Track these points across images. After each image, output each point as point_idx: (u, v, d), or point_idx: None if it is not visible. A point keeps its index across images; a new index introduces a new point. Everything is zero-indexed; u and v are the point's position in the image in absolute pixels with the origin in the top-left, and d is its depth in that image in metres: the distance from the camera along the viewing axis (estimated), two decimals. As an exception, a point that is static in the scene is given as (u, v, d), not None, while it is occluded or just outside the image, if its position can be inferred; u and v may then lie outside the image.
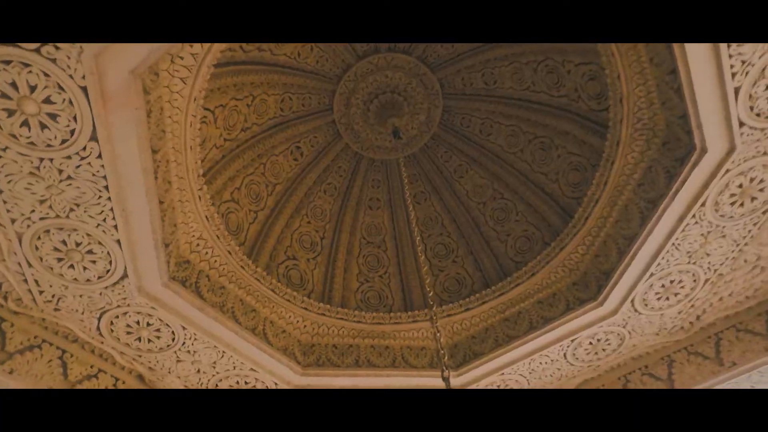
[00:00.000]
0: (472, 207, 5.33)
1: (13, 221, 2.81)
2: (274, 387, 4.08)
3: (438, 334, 2.99)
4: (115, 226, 2.90)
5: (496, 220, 5.16)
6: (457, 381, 4.43)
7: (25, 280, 3.11)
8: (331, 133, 5.22)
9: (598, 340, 4.27)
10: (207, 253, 3.72)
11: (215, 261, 3.78)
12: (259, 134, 4.50)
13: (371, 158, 5.49)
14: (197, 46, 2.80)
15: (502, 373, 4.44)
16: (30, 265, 3.03)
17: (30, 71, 2.30)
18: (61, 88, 2.36)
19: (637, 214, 3.65)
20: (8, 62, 2.26)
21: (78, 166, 2.63)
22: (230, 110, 4.00)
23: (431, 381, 4.42)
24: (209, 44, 2.90)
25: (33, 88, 2.35)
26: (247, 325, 3.84)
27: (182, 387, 3.95)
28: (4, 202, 2.73)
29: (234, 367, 3.90)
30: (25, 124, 2.45)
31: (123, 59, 2.34)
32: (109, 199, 2.78)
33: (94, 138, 2.55)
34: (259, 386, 4.10)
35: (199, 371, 3.87)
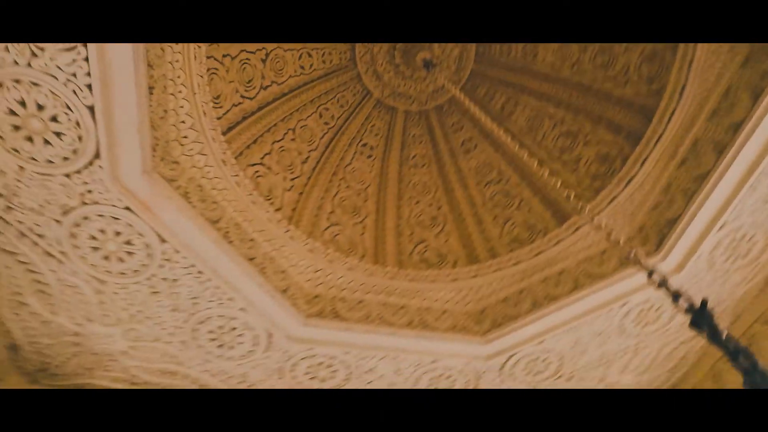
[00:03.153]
0: (566, 75, 4.33)
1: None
2: (465, 366, 3.80)
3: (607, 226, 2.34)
4: (231, 298, 3.19)
5: (602, 66, 4.05)
6: (666, 264, 3.42)
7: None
8: (385, 111, 4.99)
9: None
10: (330, 279, 3.79)
11: (340, 281, 3.82)
12: (321, 157, 4.56)
13: (438, 106, 5.03)
14: (188, 119, 2.98)
15: (720, 227, 3.27)
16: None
17: (101, 216, 2.75)
18: (115, 218, 2.76)
19: None
20: (103, 231, 2.75)
21: (172, 269, 3.00)
22: (278, 153, 4.16)
23: (631, 283, 3.51)
24: (200, 111, 3.07)
25: (103, 231, 2.80)
26: (401, 323, 3.72)
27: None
28: (160, 325, 3.27)
29: (418, 365, 3.78)
30: (119, 260, 2.92)
31: (129, 167, 2.61)
32: (209, 279, 3.08)
33: (163, 240, 2.88)
34: (456, 374, 3.87)
35: (391, 384, 3.87)
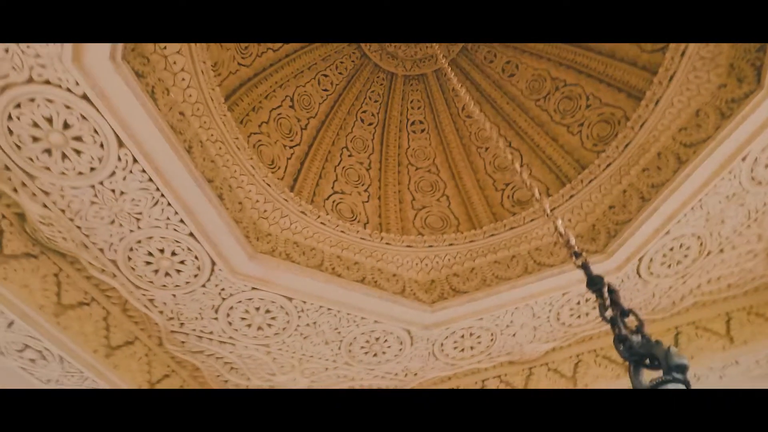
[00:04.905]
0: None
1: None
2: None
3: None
4: (363, 318, 3.65)
5: None
6: (777, 95, 2.92)
7: (383, 376, 4.19)
8: (417, 82, 4.98)
9: None
10: (436, 261, 4.06)
11: (447, 260, 4.06)
12: (381, 158, 4.78)
13: (463, 48, 4.85)
14: (259, 197, 3.45)
15: None
16: (373, 369, 4.09)
17: (240, 302, 3.41)
18: (249, 299, 3.38)
19: None
20: (247, 311, 3.44)
21: (309, 315, 3.55)
22: (344, 175, 4.49)
23: (744, 132, 3.10)
24: (265, 185, 3.52)
25: (247, 311, 3.44)
26: (517, 273, 3.83)
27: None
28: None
29: (551, 304, 3.85)
30: (268, 326, 3.55)
31: (238, 260, 3.16)
32: (339, 311, 3.57)
33: (290, 299, 3.43)
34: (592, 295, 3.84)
35: (535, 329, 4.01)
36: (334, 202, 4.26)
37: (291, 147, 4.15)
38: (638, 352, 1.18)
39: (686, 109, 3.42)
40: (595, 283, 1.40)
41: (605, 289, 1.38)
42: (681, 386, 1.06)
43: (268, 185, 3.55)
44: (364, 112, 4.85)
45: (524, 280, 3.79)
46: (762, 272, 3.96)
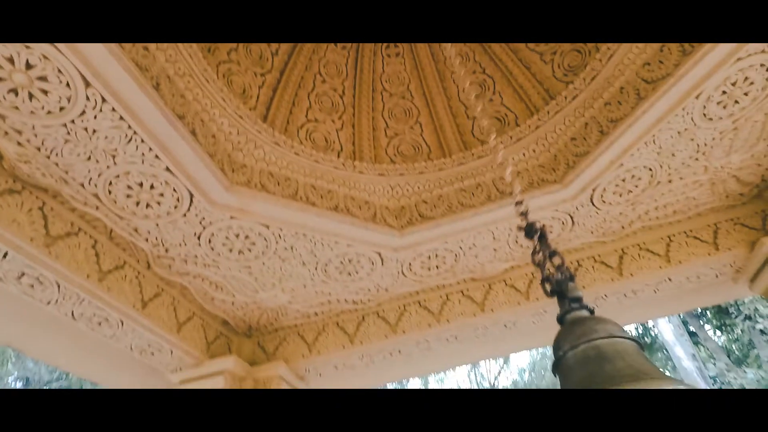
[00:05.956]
0: None
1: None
2: (556, 213, 4.08)
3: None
4: (336, 242, 3.94)
5: None
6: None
7: (358, 291, 4.63)
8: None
9: None
10: (406, 189, 4.29)
11: (417, 188, 4.29)
12: (355, 82, 4.74)
13: None
14: (232, 129, 3.52)
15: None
16: (348, 286, 4.51)
17: (221, 230, 3.65)
18: (229, 227, 3.61)
19: None
20: (227, 238, 3.69)
21: (286, 239, 3.83)
22: (317, 102, 4.49)
23: (703, 68, 3.20)
24: (237, 116, 3.56)
25: (227, 237, 3.70)
26: (480, 200, 4.11)
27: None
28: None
29: (510, 229, 4.19)
30: (248, 250, 3.84)
31: (215, 192, 3.33)
32: (314, 235, 3.85)
33: (267, 226, 3.67)
34: (550, 221, 4.17)
35: (495, 250, 4.40)
36: (307, 130, 4.33)
37: (262, 74, 4.10)
38: (555, 289, 1.47)
39: (653, 43, 3.47)
40: (528, 231, 1.64)
41: (536, 236, 1.62)
42: (584, 312, 1.38)
43: (240, 117, 3.60)
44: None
45: (487, 207, 4.08)
46: (705, 200, 4.32)
